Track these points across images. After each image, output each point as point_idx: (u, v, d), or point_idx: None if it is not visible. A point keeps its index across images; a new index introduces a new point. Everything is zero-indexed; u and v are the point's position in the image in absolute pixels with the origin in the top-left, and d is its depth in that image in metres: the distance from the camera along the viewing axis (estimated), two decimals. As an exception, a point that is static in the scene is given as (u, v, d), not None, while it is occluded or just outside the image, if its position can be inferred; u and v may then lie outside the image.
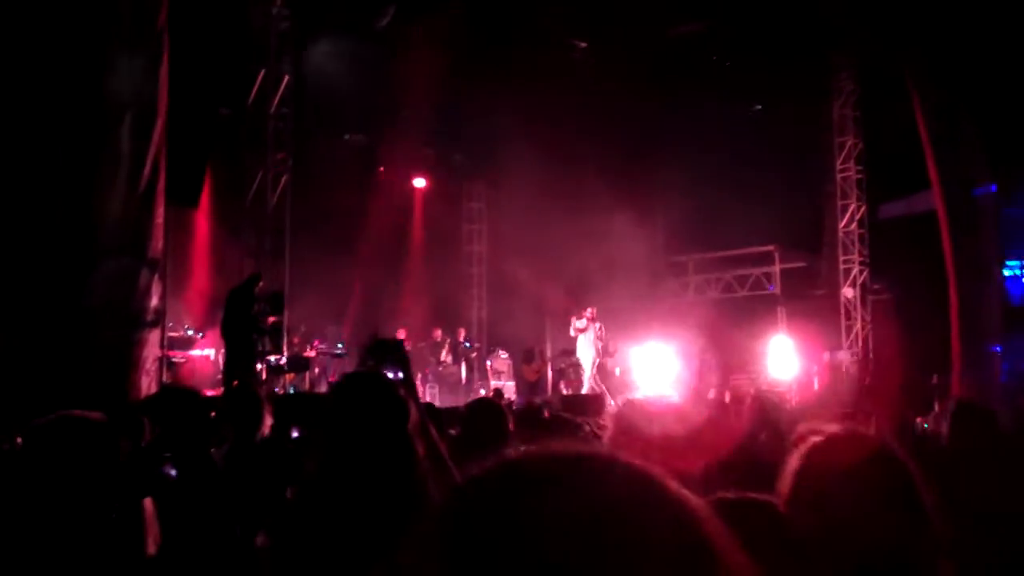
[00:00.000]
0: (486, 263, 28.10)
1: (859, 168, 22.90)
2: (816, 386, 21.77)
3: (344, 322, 22.59)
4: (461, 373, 22.94)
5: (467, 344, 23.80)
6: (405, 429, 2.97)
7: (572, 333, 21.48)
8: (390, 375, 3.31)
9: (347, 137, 24.34)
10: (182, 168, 14.38)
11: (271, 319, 18.23)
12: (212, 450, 4.86)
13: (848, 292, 22.87)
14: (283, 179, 20.44)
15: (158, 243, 13.09)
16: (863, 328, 22.76)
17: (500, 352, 24.32)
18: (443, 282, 25.98)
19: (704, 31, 20.60)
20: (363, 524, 2.60)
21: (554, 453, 1.03)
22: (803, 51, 21.02)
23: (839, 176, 23.14)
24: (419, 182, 26.67)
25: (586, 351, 21.11)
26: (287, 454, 4.93)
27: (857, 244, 22.84)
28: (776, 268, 24.04)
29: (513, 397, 21.11)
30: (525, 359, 22.91)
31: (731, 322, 23.00)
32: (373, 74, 20.42)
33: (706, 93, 22.10)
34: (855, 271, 22.87)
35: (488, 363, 24.05)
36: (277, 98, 20.18)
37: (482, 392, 21.37)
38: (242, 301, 16.56)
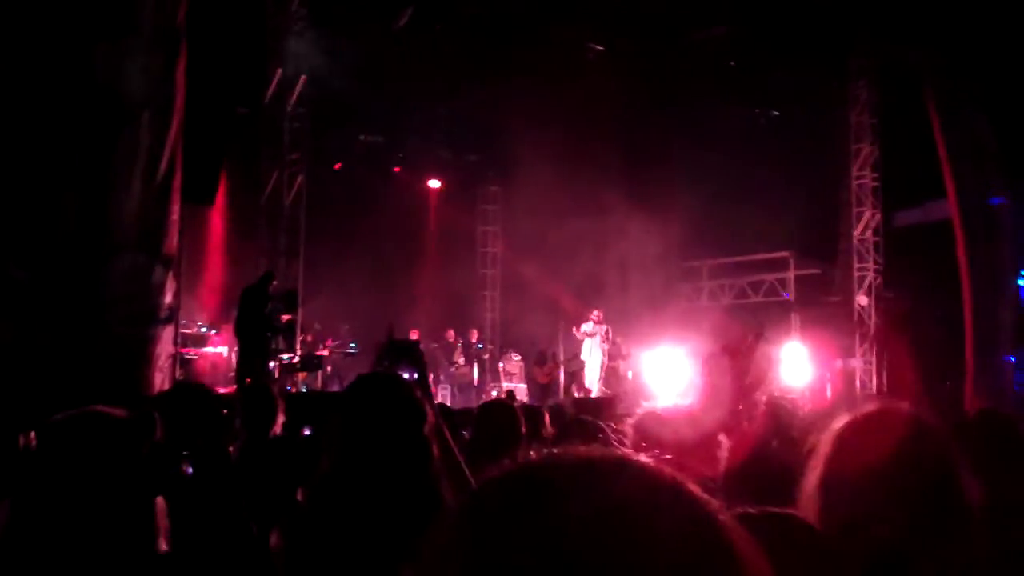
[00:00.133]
0: (500, 265, 28.11)
1: (875, 175, 22.81)
2: (829, 393, 21.71)
3: (357, 322, 22.60)
4: (473, 374, 22.95)
5: (479, 345, 23.81)
6: (422, 431, 2.97)
7: (578, 335, 21.43)
8: (405, 376, 3.31)
9: (362, 137, 24.36)
10: (198, 166, 14.40)
11: (284, 317, 18.27)
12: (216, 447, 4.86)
13: (862, 299, 22.79)
14: (298, 179, 20.48)
15: (173, 240, 13.10)
16: (876, 335, 22.68)
17: (512, 354, 24.34)
18: (456, 283, 25.99)
19: (722, 36, 20.56)
20: (377, 526, 2.60)
21: (572, 456, 1.03)
22: (821, 57, 20.97)
23: (855, 183, 23.06)
24: (434, 183, 26.69)
25: (594, 354, 21.04)
26: (299, 452, 4.93)
27: (872, 252, 22.76)
28: (790, 274, 23.99)
29: (525, 399, 21.10)
30: (537, 361, 22.91)
31: (744, 328, 22.94)
32: (389, 75, 20.43)
33: (723, 98, 22.07)
34: (869, 278, 22.79)
35: (500, 365, 24.07)
36: (293, 98, 20.23)
37: (494, 394, 21.39)
38: (256, 299, 16.61)
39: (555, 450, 1.04)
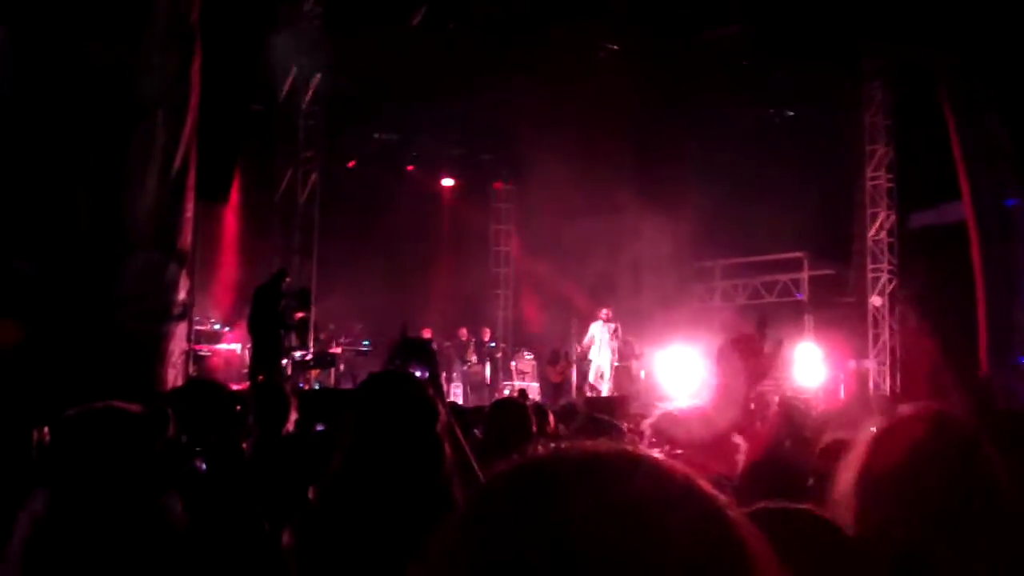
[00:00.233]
0: (512, 263, 28.11)
1: (890, 177, 22.75)
2: (842, 394, 21.66)
3: (370, 320, 22.63)
4: (486, 373, 22.95)
5: (492, 344, 23.81)
6: (434, 429, 2.97)
7: (584, 344, 21.39)
8: (417, 374, 3.31)
9: (376, 136, 24.39)
10: (212, 164, 14.43)
11: (298, 315, 18.30)
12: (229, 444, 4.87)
13: (876, 301, 22.74)
14: (312, 176, 20.51)
15: (187, 238, 13.14)
16: (890, 337, 22.63)
17: (525, 353, 24.34)
18: (469, 282, 25.99)
19: (736, 35, 20.52)
20: (388, 524, 2.59)
21: (578, 450, 1.03)
22: (835, 58, 20.92)
23: (869, 184, 23.00)
24: (447, 182, 26.72)
25: (603, 353, 20.98)
26: (311, 450, 4.94)
27: (886, 253, 22.70)
28: (804, 275, 23.93)
29: (537, 398, 21.10)
30: (550, 360, 22.90)
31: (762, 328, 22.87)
32: (403, 73, 20.44)
33: (737, 98, 22.03)
34: (883, 280, 22.73)
35: (513, 363, 24.06)
36: (308, 96, 20.25)
37: (506, 392, 21.38)
38: (269, 297, 16.65)
39: (562, 444, 1.04)
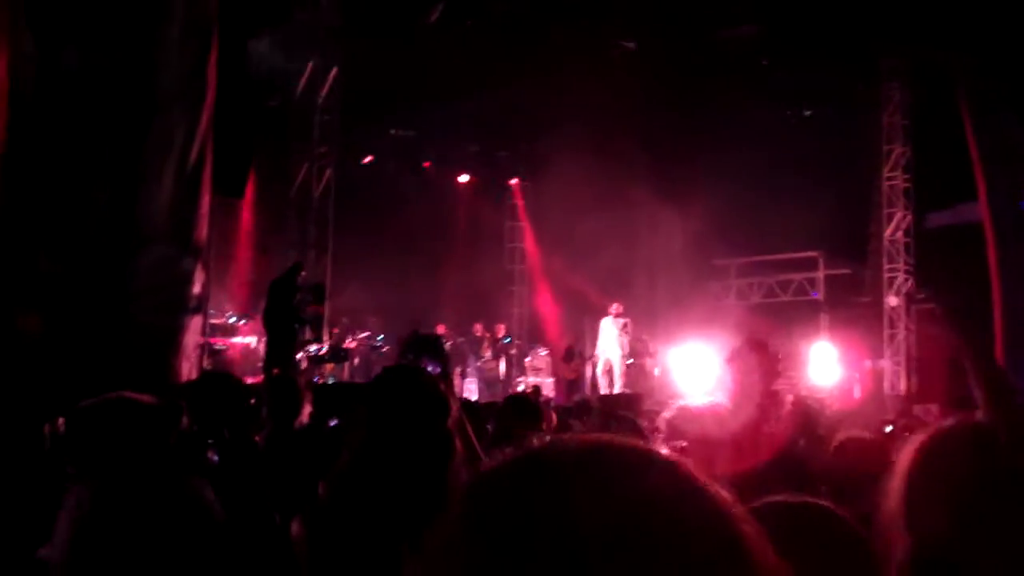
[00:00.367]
0: (527, 260, 28.10)
1: (906, 177, 22.70)
2: (857, 394, 21.61)
3: (385, 315, 22.65)
4: (500, 369, 22.94)
5: (507, 340, 23.80)
6: (445, 424, 2.97)
7: (617, 332, 21.23)
8: (428, 369, 3.31)
9: (392, 132, 24.41)
10: (229, 159, 14.46)
11: (312, 309, 18.33)
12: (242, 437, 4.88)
13: (892, 300, 22.68)
14: (327, 172, 20.55)
15: (202, 232, 13.18)
16: (906, 337, 22.57)
17: (539, 349, 24.33)
18: (484, 278, 25.98)
19: (754, 35, 20.48)
20: (397, 518, 2.59)
21: (577, 442, 1.03)
22: (854, 58, 20.87)
23: (886, 184, 22.95)
24: (463, 178, 26.73)
25: (613, 348, 20.88)
26: (324, 443, 4.95)
27: (902, 253, 22.64)
28: (820, 274, 23.87)
29: (551, 394, 21.10)
30: (565, 357, 22.87)
31: (773, 327, 22.87)
32: (420, 70, 20.45)
33: (754, 97, 21.98)
34: (899, 279, 22.67)
35: (527, 360, 24.05)
36: (324, 91, 20.28)
37: (520, 388, 21.37)
38: (284, 291, 16.67)
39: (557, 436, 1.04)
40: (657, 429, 4.63)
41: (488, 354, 22.84)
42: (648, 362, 22.40)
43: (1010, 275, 17.48)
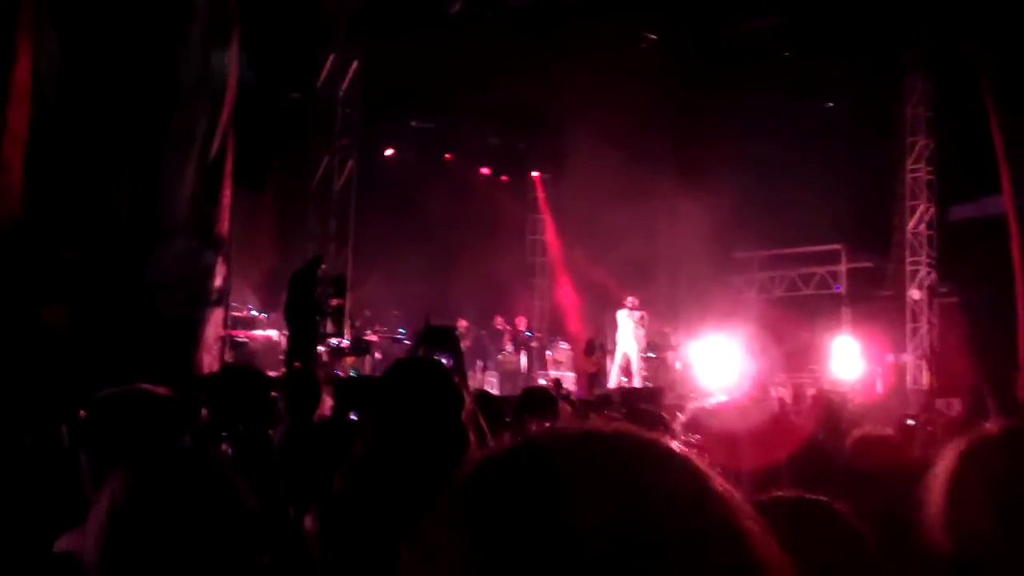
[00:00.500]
0: (548, 253, 28.09)
1: (929, 169, 22.58)
2: (879, 388, 21.53)
3: (406, 308, 22.67)
4: (521, 362, 22.93)
5: (528, 333, 23.79)
6: (459, 417, 2.97)
7: (633, 325, 21.17)
8: (444, 361, 3.31)
9: (414, 123, 24.43)
10: (250, 151, 14.51)
11: (334, 302, 18.37)
12: (270, 431, 4.89)
13: (915, 294, 22.58)
14: (349, 164, 20.57)
15: (223, 225, 13.25)
16: (929, 331, 22.47)
17: (560, 342, 24.32)
18: (505, 271, 25.97)
19: (777, 27, 20.40)
20: (410, 511, 2.58)
21: (576, 430, 1.03)
22: (877, 50, 20.78)
23: (909, 176, 22.84)
24: (484, 170, 26.74)
25: (629, 342, 20.80)
26: (344, 437, 4.95)
27: (925, 246, 22.54)
28: (842, 267, 23.79)
29: (572, 388, 21.08)
30: (586, 351, 22.83)
31: (795, 320, 22.82)
32: (441, 62, 20.45)
33: (776, 89, 21.91)
34: (922, 273, 22.57)
35: (548, 353, 24.03)
36: (345, 83, 20.29)
37: (541, 382, 21.35)
38: (305, 283, 16.71)
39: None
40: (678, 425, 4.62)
41: (509, 347, 22.83)
42: (670, 355, 22.37)
43: (1034, 269, 17.37)
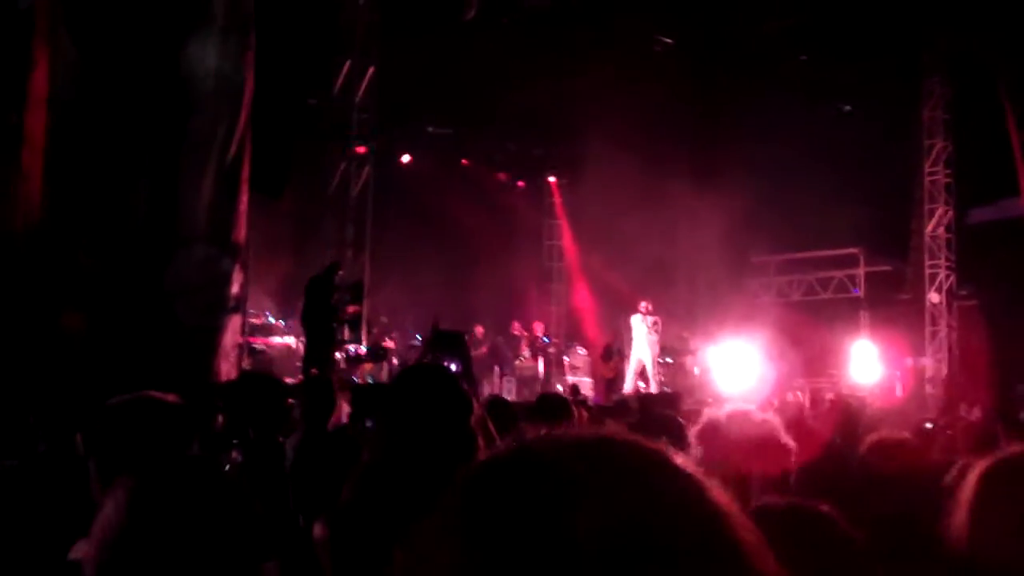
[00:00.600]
0: (565, 258, 28.08)
1: (948, 172, 22.49)
2: (899, 392, 21.44)
3: (423, 314, 22.68)
4: (539, 368, 22.91)
5: (545, 339, 23.76)
6: (468, 423, 2.96)
7: (647, 330, 21.04)
8: (452, 367, 3.30)
9: (430, 129, 24.45)
10: (268, 159, 14.54)
11: (351, 308, 18.39)
12: (283, 438, 4.89)
13: (934, 297, 22.48)
14: (365, 170, 20.59)
15: (240, 231, 13.27)
16: (949, 334, 22.37)
17: (578, 348, 24.27)
18: (522, 276, 25.97)
19: (794, 30, 20.36)
20: (420, 518, 2.56)
21: (571, 437, 1.03)
22: (894, 53, 20.71)
23: (927, 180, 22.75)
24: (500, 176, 26.75)
25: (643, 348, 20.70)
26: (357, 444, 4.95)
27: (944, 249, 22.45)
28: (861, 271, 23.70)
29: (590, 394, 21.03)
30: (603, 356, 22.78)
31: (813, 324, 22.75)
32: (457, 67, 20.47)
33: (793, 93, 21.86)
34: (941, 276, 22.48)
35: (566, 359, 23.99)
36: (362, 89, 20.32)
37: (559, 388, 21.32)
38: (322, 290, 16.72)
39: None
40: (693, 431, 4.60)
41: (526, 353, 22.79)
42: (688, 360, 22.31)
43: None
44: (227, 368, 12.59)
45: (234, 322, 13.18)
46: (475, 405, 3.05)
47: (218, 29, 12.88)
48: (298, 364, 17.56)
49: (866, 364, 21.80)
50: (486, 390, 19.77)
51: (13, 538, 3.35)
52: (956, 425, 9.05)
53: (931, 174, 22.73)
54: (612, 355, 21.95)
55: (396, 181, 22.87)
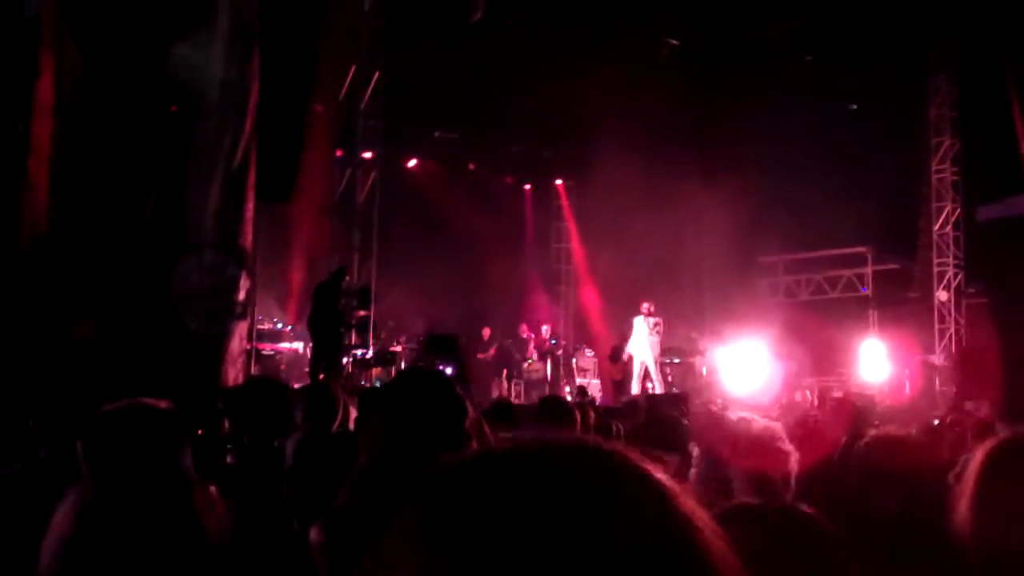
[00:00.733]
0: (574, 261, 28.08)
1: (955, 170, 22.44)
2: (908, 390, 21.39)
3: (431, 318, 22.69)
4: (546, 370, 22.90)
5: (553, 341, 23.77)
6: (462, 427, 2.96)
7: (648, 331, 20.95)
8: (448, 371, 3.31)
9: (437, 134, 24.47)
10: (275, 164, 14.57)
11: (359, 313, 18.42)
12: (280, 442, 4.89)
13: (942, 295, 22.43)
14: (372, 174, 20.60)
15: (247, 238, 13.30)
16: (957, 332, 22.32)
17: (586, 350, 24.26)
18: (530, 279, 25.99)
19: (800, 30, 20.33)
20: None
21: (532, 442, 1.02)
22: (900, 50, 20.68)
23: (935, 178, 22.71)
24: (508, 179, 26.78)
25: (644, 349, 20.63)
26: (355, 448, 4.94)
27: (952, 247, 22.40)
28: (868, 270, 23.66)
29: (598, 395, 21.03)
30: (611, 358, 22.76)
31: (821, 324, 22.72)
32: (463, 71, 20.48)
33: (799, 93, 21.83)
34: (949, 274, 22.43)
35: (574, 361, 23.98)
36: (367, 94, 20.33)
37: (567, 390, 21.33)
38: (329, 295, 16.76)
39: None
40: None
41: (534, 356, 22.79)
42: (697, 360, 22.29)
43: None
44: (234, 374, 12.63)
45: (241, 328, 13.22)
46: (470, 408, 3.05)
47: (223, 36, 12.92)
48: (306, 370, 17.61)
49: (875, 363, 21.77)
50: (495, 393, 19.81)
51: (12, 544, 3.36)
52: (964, 422, 9.03)
53: (938, 172, 22.68)
54: (620, 356, 21.93)
55: (403, 186, 22.90)
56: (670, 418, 6.94)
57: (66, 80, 11.62)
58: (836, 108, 23.14)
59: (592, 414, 7.20)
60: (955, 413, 12.37)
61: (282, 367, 18.97)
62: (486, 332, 22.22)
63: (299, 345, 19.43)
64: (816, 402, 16.86)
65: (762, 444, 3.61)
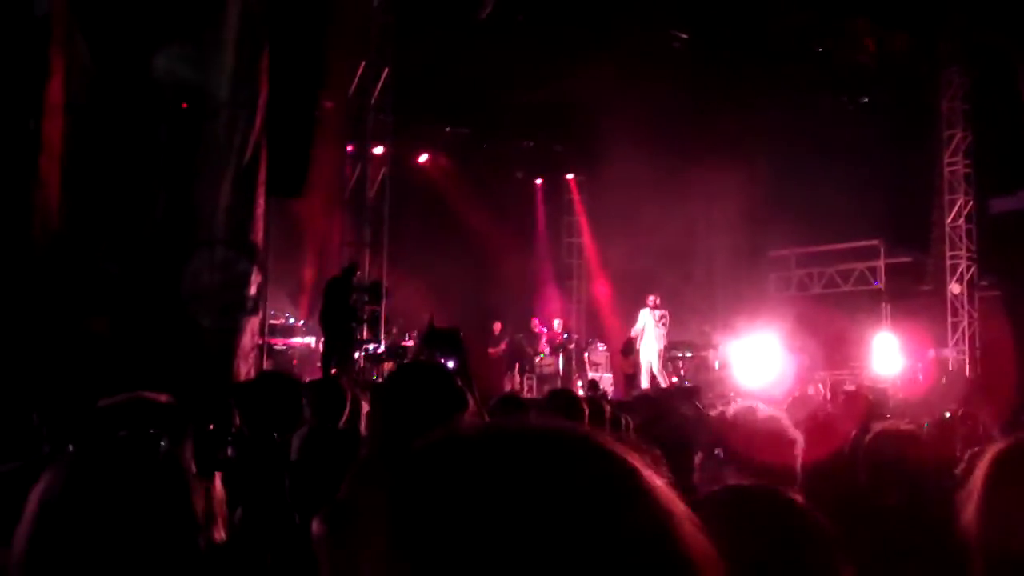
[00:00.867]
0: (585, 255, 28.07)
1: (967, 162, 22.34)
2: (921, 383, 21.34)
3: (443, 313, 22.69)
4: (559, 365, 22.90)
5: (565, 336, 23.76)
6: (462, 419, 2.96)
7: (637, 328, 20.91)
8: (449, 364, 3.31)
9: (447, 129, 24.48)
10: (285, 160, 14.58)
11: (370, 308, 18.46)
12: (281, 436, 4.90)
13: (955, 288, 22.35)
14: (382, 170, 20.60)
15: (258, 233, 13.34)
16: (970, 325, 22.25)
17: (598, 344, 24.26)
18: (542, 273, 25.99)
19: (810, 21, 20.29)
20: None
21: (501, 425, 1.02)
22: (912, 43, 20.62)
23: (947, 170, 22.61)
24: (518, 174, 26.77)
25: (650, 342, 20.58)
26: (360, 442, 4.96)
27: (964, 239, 22.31)
28: (881, 263, 23.58)
29: (610, 389, 21.02)
30: (623, 352, 22.75)
31: (834, 317, 22.68)
32: (473, 66, 20.46)
33: (811, 84, 21.79)
34: (962, 267, 22.35)
35: (586, 355, 23.98)
36: (377, 90, 20.33)
37: (579, 384, 21.32)
38: (340, 291, 16.80)
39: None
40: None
41: (546, 350, 22.79)
42: (711, 354, 22.27)
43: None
44: (246, 369, 12.67)
45: (252, 323, 13.26)
46: (470, 401, 3.06)
47: (233, 33, 12.94)
48: (318, 365, 17.64)
49: (888, 356, 21.72)
50: (507, 387, 19.83)
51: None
52: (977, 416, 9.02)
53: (951, 164, 22.59)
54: (631, 350, 21.91)
55: (413, 181, 22.91)
56: (671, 413, 6.91)
57: (76, 78, 11.65)
58: (848, 100, 23.10)
59: (607, 408, 7.19)
60: (967, 407, 12.34)
61: (294, 362, 19.02)
62: (497, 326, 22.23)
63: (311, 340, 19.47)
64: (828, 395, 16.85)
65: (767, 431, 3.59)
